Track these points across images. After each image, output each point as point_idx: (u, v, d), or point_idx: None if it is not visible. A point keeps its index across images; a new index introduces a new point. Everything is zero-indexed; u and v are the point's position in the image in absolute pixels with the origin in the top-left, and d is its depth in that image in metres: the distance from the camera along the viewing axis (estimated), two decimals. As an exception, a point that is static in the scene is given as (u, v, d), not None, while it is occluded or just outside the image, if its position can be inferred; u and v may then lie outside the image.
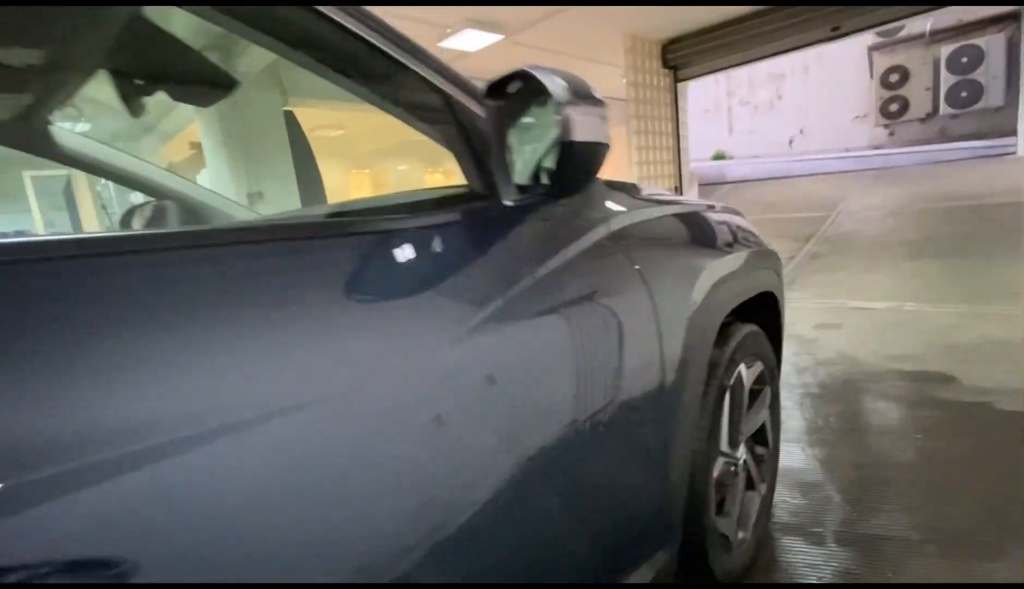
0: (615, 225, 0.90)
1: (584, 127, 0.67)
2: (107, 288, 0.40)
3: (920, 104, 11.62)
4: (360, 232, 0.62)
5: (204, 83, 1.10)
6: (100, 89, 1.04)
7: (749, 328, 1.36)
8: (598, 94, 0.72)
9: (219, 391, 0.43)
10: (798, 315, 3.56)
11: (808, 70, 12.97)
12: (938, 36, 11.09)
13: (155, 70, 1.08)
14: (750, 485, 1.42)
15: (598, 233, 0.85)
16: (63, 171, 7.04)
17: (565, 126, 0.67)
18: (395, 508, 0.52)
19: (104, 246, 0.43)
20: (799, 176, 10.16)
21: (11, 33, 0.85)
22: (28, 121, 1.13)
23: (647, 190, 1.31)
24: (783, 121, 13.67)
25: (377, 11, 0.65)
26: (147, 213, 1.30)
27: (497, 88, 0.71)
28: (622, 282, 0.85)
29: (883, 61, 11.92)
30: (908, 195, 7.00)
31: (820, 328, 3.25)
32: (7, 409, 0.33)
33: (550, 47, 6.38)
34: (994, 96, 10.60)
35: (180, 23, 0.87)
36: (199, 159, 5.94)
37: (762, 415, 1.49)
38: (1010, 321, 2.91)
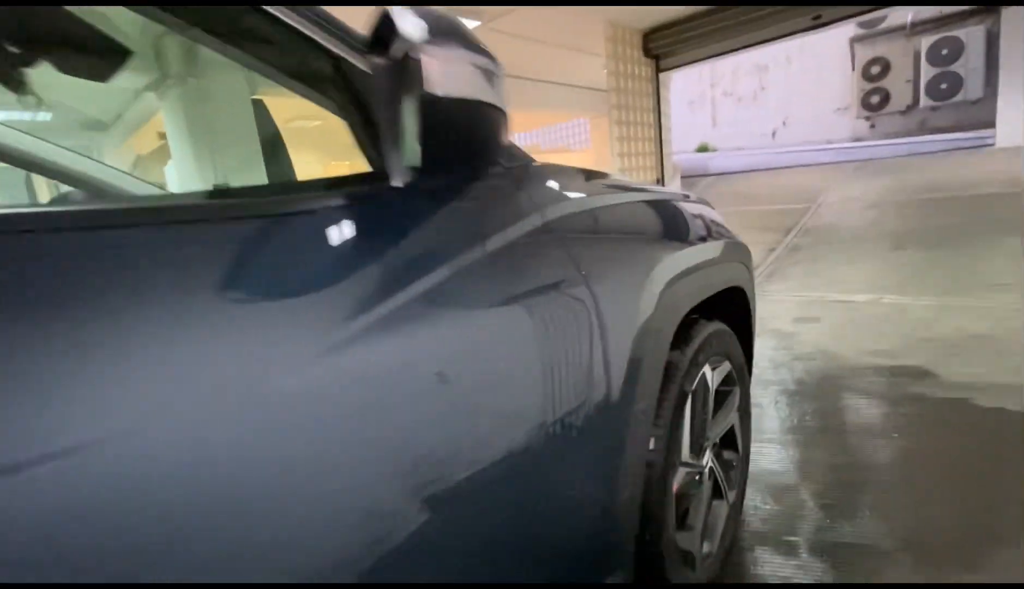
0: (551, 214, 0.79)
1: (451, 79, 0.54)
2: None
3: (901, 96, 11.67)
4: (225, 217, 0.50)
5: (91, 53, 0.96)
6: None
7: (715, 327, 1.26)
8: (476, 39, 0.59)
9: (53, 399, 0.34)
10: (777, 308, 3.49)
11: (791, 61, 12.96)
12: (918, 28, 11.13)
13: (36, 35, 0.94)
14: (717, 493, 1.33)
15: (526, 223, 0.73)
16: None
17: (416, 75, 0.53)
18: (255, 526, 0.42)
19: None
20: (782, 168, 10.16)
21: None
22: None
23: (613, 178, 1.19)
24: (766, 113, 13.66)
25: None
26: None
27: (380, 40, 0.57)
28: (554, 280, 0.74)
29: (864, 53, 11.94)
30: (888, 187, 7.00)
31: (799, 322, 3.18)
32: None
33: (529, 34, 6.23)
34: (973, 88, 10.67)
35: None
36: (166, 151, 5.68)
37: (731, 418, 1.39)
38: (988, 314, 2.87)
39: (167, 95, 4.97)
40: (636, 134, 7.10)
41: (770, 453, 1.84)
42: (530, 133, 15.63)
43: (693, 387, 1.15)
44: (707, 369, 1.22)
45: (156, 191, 1.46)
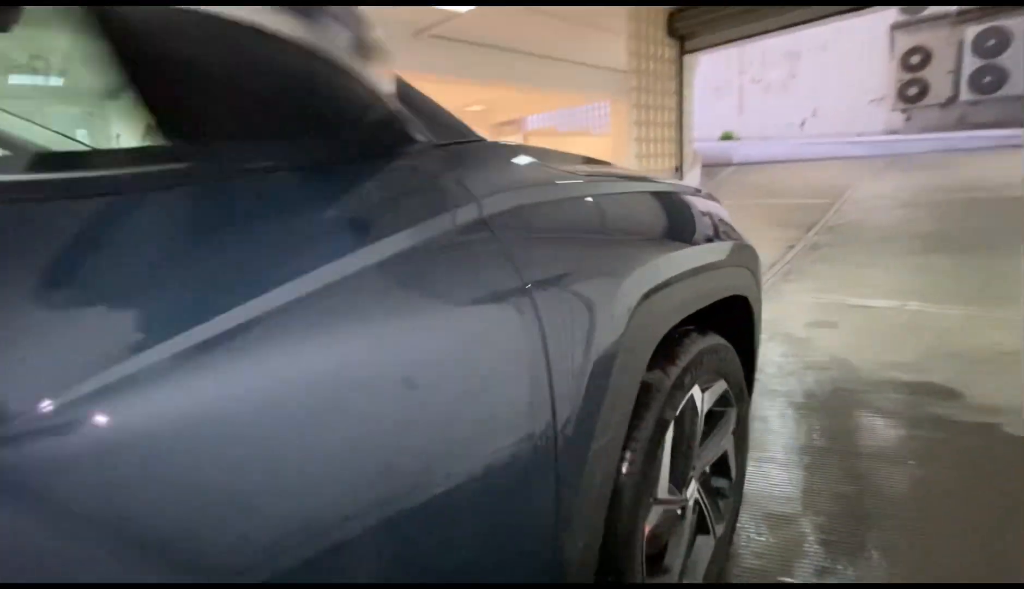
0: (491, 206, 0.62)
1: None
2: None
3: (940, 88, 11.08)
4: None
5: None
6: None
7: (709, 341, 1.09)
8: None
9: None
10: (792, 310, 3.28)
11: (826, 48, 12.37)
12: (965, 15, 10.49)
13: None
14: (703, 527, 1.17)
15: (444, 218, 0.57)
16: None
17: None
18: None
19: None
20: (809, 160, 9.73)
21: None
22: None
23: (604, 166, 1.02)
24: (796, 102, 13.13)
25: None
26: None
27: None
28: (479, 291, 0.58)
29: (905, 41, 11.32)
30: (921, 184, 6.63)
31: (813, 326, 2.98)
32: None
33: (548, 9, 5.95)
34: (1018, 82, 10.06)
35: None
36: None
37: (724, 443, 1.23)
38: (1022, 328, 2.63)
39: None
40: (656, 119, 6.81)
41: (771, 475, 1.67)
42: (547, 115, 15.26)
43: (677, 412, 0.99)
44: (696, 391, 1.05)
45: None
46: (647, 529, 0.94)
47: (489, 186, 0.64)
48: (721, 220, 1.23)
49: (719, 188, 8.47)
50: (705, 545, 1.17)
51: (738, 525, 1.40)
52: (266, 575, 0.38)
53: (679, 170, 7.49)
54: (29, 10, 0.58)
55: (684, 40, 6.72)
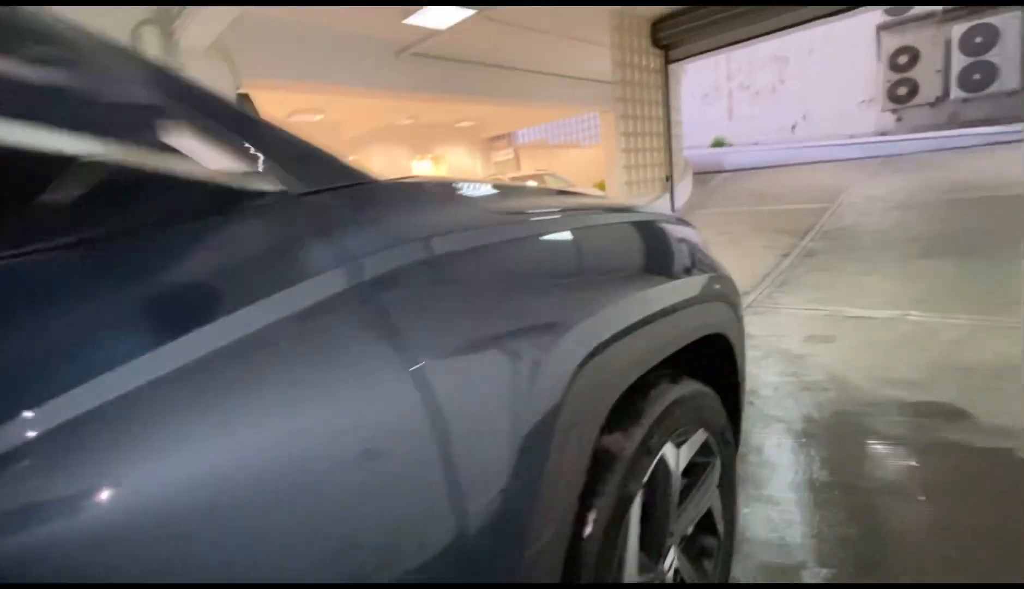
0: (373, 267, 0.49)
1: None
2: None
3: (930, 87, 11.05)
4: None
5: None
6: None
7: (683, 389, 0.95)
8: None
9: None
10: (787, 324, 3.14)
11: (812, 52, 12.38)
12: (951, 14, 10.48)
13: None
14: (687, 597, 1.03)
15: (303, 290, 0.44)
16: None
17: None
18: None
19: None
20: (801, 164, 9.65)
21: None
22: None
23: (546, 194, 0.89)
24: (786, 106, 13.11)
25: None
26: None
27: None
28: (350, 373, 0.45)
29: (892, 41, 11.32)
30: (915, 185, 6.52)
31: (810, 341, 2.83)
32: None
33: (528, 23, 5.89)
34: (1009, 78, 10.02)
35: None
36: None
37: (708, 499, 1.09)
38: (1032, 336, 2.49)
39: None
40: (643, 129, 6.73)
41: (768, 517, 1.52)
42: (537, 128, 15.26)
43: (645, 480, 0.84)
44: (668, 450, 0.91)
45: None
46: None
47: (370, 241, 0.51)
48: (694, 249, 1.10)
49: (711, 195, 8.38)
50: (690, 618, 1.02)
51: (731, 579, 1.25)
52: None
53: (669, 179, 7.40)
54: None
55: (668, 49, 6.66)
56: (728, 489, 1.16)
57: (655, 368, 0.91)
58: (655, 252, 0.96)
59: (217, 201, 0.45)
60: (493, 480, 0.54)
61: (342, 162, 0.57)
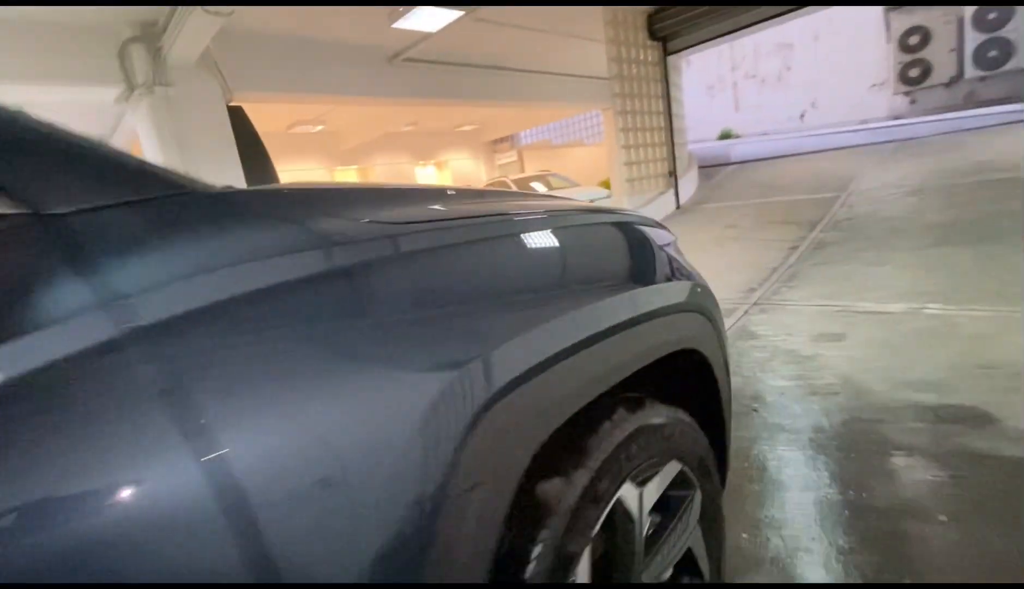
0: (155, 309, 0.36)
1: None
2: None
3: (944, 67, 10.67)
4: None
5: None
6: None
7: (645, 419, 0.81)
8: None
9: None
10: (795, 322, 2.96)
11: (818, 38, 12.05)
12: (962, -9, 10.12)
13: None
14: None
15: (52, 335, 0.32)
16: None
17: None
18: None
19: None
20: (811, 153, 9.38)
21: None
22: None
23: (458, 195, 0.77)
24: (793, 94, 12.79)
25: None
26: None
27: None
28: (121, 443, 0.33)
29: (901, 22, 10.97)
30: (931, 169, 6.25)
31: (820, 340, 2.65)
32: None
33: (519, 22, 5.76)
34: (1027, 54, 9.64)
35: None
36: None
37: (687, 537, 0.94)
38: (1063, 327, 2.29)
39: (138, 105, 4.74)
40: (644, 124, 6.55)
41: (771, 545, 1.36)
42: (541, 128, 15.11)
43: (596, 531, 0.71)
44: (627, 491, 0.77)
45: None
46: None
47: (152, 273, 0.38)
48: (660, 254, 0.96)
49: (717, 189, 8.16)
50: (669, 685, 0.88)
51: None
52: None
53: (672, 174, 7.20)
54: None
55: (666, 41, 6.47)
56: (712, 524, 1.01)
57: (612, 393, 0.77)
58: (608, 259, 0.82)
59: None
60: (347, 560, 0.41)
61: (151, 169, 0.44)
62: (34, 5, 4.09)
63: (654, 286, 0.87)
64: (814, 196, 6.29)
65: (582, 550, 0.68)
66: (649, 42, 6.39)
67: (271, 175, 5.74)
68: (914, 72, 11.04)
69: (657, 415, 0.86)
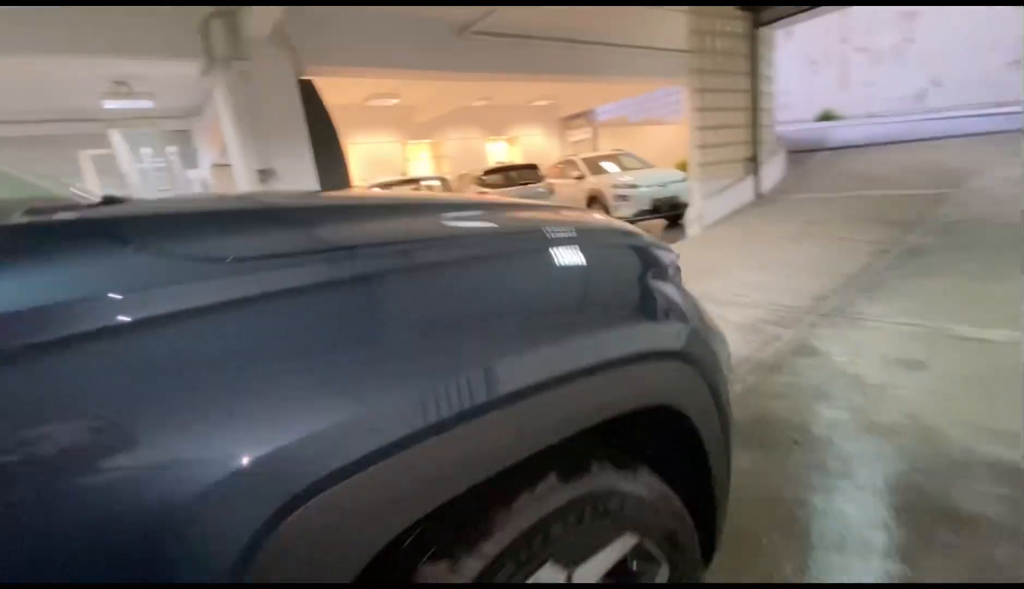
0: None
1: None
2: None
3: (1113, 40, 8.88)
4: None
5: None
6: None
7: (586, 487, 0.69)
8: None
9: None
10: (868, 342, 2.59)
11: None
12: None
13: None
14: None
15: None
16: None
17: None
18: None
19: None
20: (926, 140, 8.23)
21: None
22: None
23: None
24: (912, 70, 11.24)
25: None
26: None
27: None
28: None
29: (1061, -14, 9.20)
30: (1076, 164, 5.25)
31: (893, 366, 2.30)
32: None
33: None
34: None
35: None
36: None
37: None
38: None
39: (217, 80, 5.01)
40: (725, 103, 6.01)
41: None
42: (617, 104, 14.42)
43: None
44: (547, 574, 0.65)
45: None
46: None
47: None
48: (633, 285, 0.80)
49: (807, 178, 7.39)
50: None
51: None
52: None
53: (754, 160, 6.58)
54: None
55: (757, 11, 5.84)
56: (688, 608, 0.86)
57: (542, 456, 0.65)
58: (539, 293, 0.68)
59: None
60: None
61: None
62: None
63: (618, 329, 0.72)
64: (918, 192, 5.51)
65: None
66: (737, 12, 5.80)
67: (338, 151, 5.90)
68: (1072, 45, 9.29)
69: (606, 483, 0.72)
